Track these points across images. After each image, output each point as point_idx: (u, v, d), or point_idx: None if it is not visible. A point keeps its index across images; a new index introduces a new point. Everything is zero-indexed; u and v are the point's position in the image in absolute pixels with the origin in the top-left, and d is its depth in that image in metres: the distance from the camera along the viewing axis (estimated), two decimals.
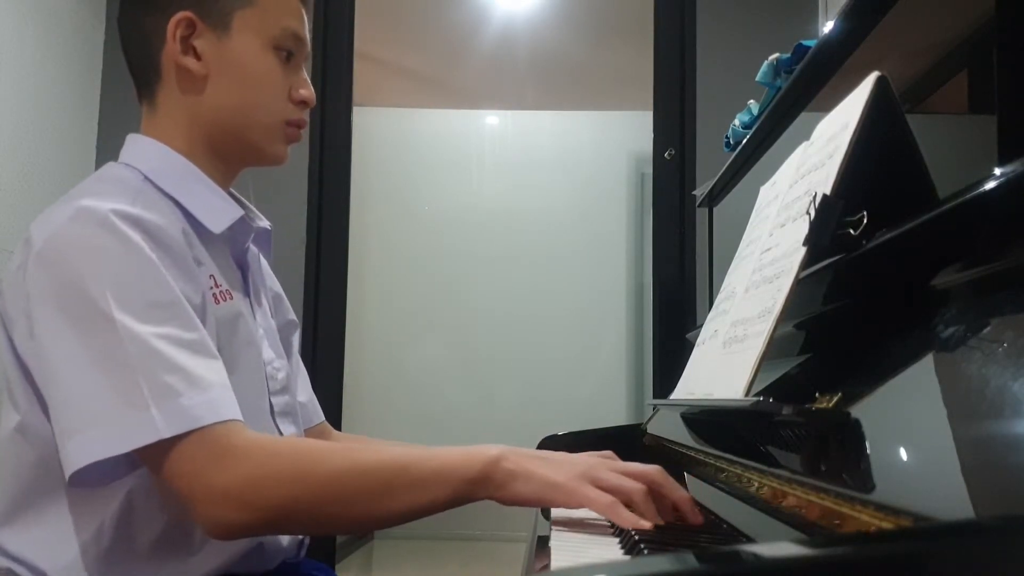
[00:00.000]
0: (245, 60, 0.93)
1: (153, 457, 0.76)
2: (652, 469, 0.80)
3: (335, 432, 1.21)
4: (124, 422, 0.73)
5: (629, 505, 0.75)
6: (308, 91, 0.97)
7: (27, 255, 0.81)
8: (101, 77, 2.50)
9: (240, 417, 0.78)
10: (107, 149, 2.46)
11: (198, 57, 0.92)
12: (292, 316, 1.15)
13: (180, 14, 0.91)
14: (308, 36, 0.99)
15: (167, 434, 0.73)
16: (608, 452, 0.89)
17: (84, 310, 0.77)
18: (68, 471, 0.75)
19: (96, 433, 0.74)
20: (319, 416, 1.17)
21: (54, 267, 0.79)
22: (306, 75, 0.99)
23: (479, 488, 0.76)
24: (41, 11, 2.21)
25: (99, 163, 2.44)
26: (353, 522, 0.81)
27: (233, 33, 0.92)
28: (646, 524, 0.73)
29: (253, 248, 1.03)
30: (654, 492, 0.77)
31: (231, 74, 0.93)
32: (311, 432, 1.15)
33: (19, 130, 2.12)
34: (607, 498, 0.75)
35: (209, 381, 0.77)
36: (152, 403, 0.73)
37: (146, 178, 0.90)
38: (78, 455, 0.74)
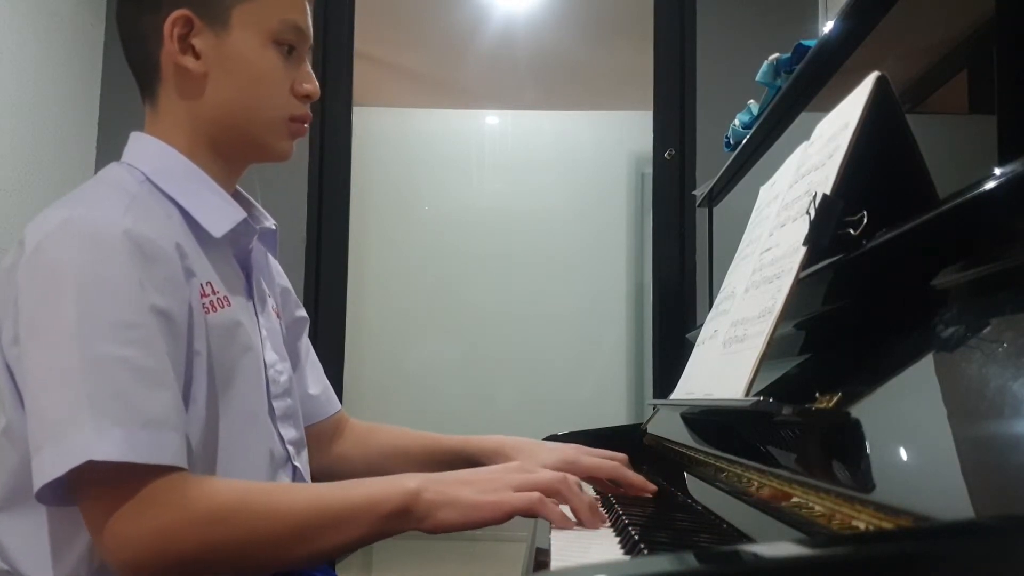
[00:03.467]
0: (245, 56, 0.91)
1: (83, 490, 0.74)
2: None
3: (352, 421, 1.19)
4: (65, 441, 0.71)
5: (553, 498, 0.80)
6: (312, 85, 0.95)
7: (18, 259, 0.81)
8: (101, 77, 2.50)
9: (175, 462, 0.74)
10: (107, 149, 2.46)
11: (197, 56, 0.90)
12: (301, 312, 1.14)
13: (176, 13, 0.89)
14: (310, 27, 0.97)
15: (96, 456, 0.70)
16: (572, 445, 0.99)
17: (54, 322, 0.75)
18: (34, 491, 0.73)
19: (49, 452, 0.72)
20: (334, 406, 1.16)
21: (36, 277, 0.78)
22: (309, 68, 0.97)
23: (401, 521, 0.77)
24: (41, 11, 2.21)
25: (99, 163, 2.44)
26: (273, 564, 0.79)
27: (232, 29, 0.91)
28: (571, 522, 0.79)
29: (259, 247, 1.01)
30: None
31: (231, 71, 0.91)
32: (328, 422, 1.15)
33: (19, 130, 2.12)
34: (533, 495, 0.77)
35: (148, 417, 0.74)
36: (88, 424, 0.71)
37: (147, 179, 0.89)
38: (37, 475, 0.73)
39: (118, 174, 0.90)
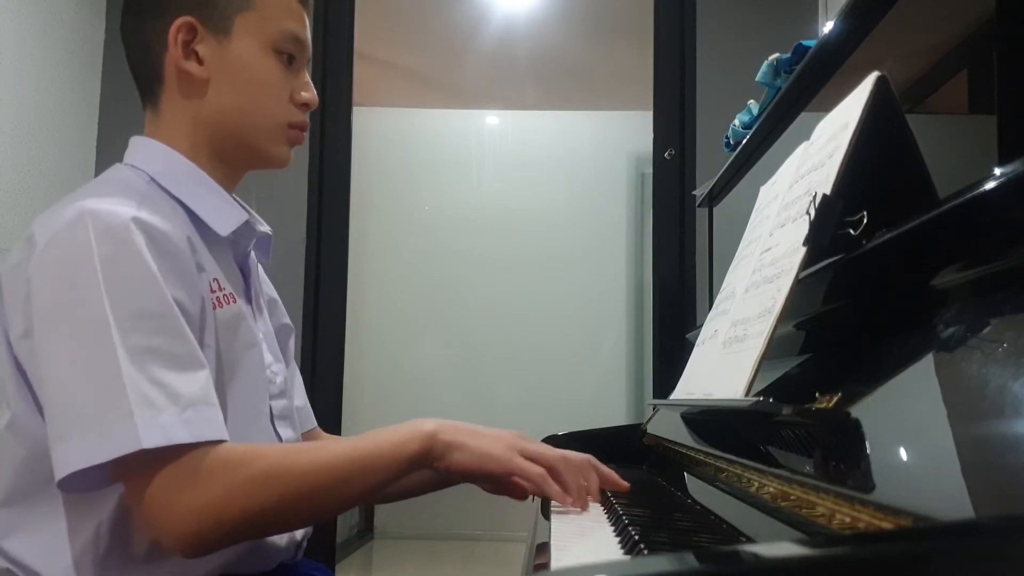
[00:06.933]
0: (246, 63, 0.93)
1: (129, 473, 0.76)
2: (571, 453, 0.91)
3: (325, 435, 1.21)
4: (106, 431, 0.73)
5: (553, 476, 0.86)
6: (310, 93, 0.98)
7: (28, 254, 0.81)
8: (101, 77, 2.50)
9: (220, 435, 0.78)
10: (107, 149, 2.46)
11: (200, 61, 0.92)
12: (287, 320, 1.15)
13: (181, 19, 0.91)
14: (309, 38, 0.99)
15: (147, 445, 0.72)
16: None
17: (78, 315, 0.76)
18: (56, 477, 0.75)
19: (80, 440, 0.74)
20: (312, 421, 1.17)
21: (53, 269, 0.79)
22: (308, 77, 0.99)
23: (421, 461, 0.83)
24: (41, 11, 2.21)
25: (99, 163, 2.44)
26: (317, 515, 0.85)
27: (234, 37, 0.93)
28: (569, 498, 0.86)
29: (253, 253, 1.03)
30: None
31: (232, 78, 0.93)
32: (305, 437, 1.15)
33: (19, 130, 2.12)
34: (538, 469, 0.85)
35: (190, 398, 0.76)
36: (135, 413, 0.73)
37: (152, 180, 0.90)
38: (64, 462, 0.74)
39: (124, 174, 0.91)
